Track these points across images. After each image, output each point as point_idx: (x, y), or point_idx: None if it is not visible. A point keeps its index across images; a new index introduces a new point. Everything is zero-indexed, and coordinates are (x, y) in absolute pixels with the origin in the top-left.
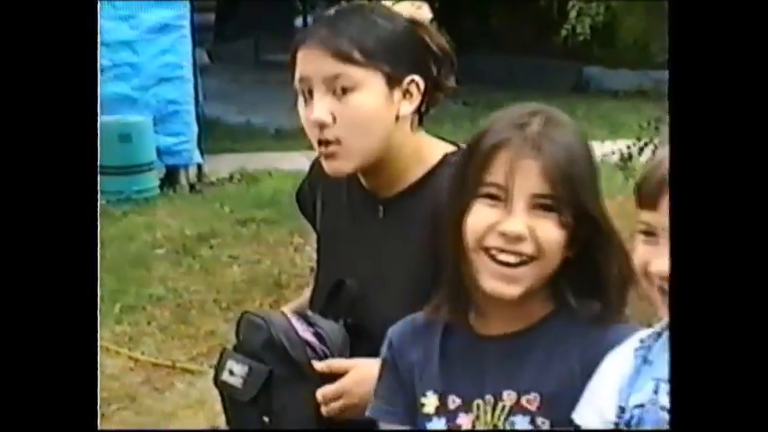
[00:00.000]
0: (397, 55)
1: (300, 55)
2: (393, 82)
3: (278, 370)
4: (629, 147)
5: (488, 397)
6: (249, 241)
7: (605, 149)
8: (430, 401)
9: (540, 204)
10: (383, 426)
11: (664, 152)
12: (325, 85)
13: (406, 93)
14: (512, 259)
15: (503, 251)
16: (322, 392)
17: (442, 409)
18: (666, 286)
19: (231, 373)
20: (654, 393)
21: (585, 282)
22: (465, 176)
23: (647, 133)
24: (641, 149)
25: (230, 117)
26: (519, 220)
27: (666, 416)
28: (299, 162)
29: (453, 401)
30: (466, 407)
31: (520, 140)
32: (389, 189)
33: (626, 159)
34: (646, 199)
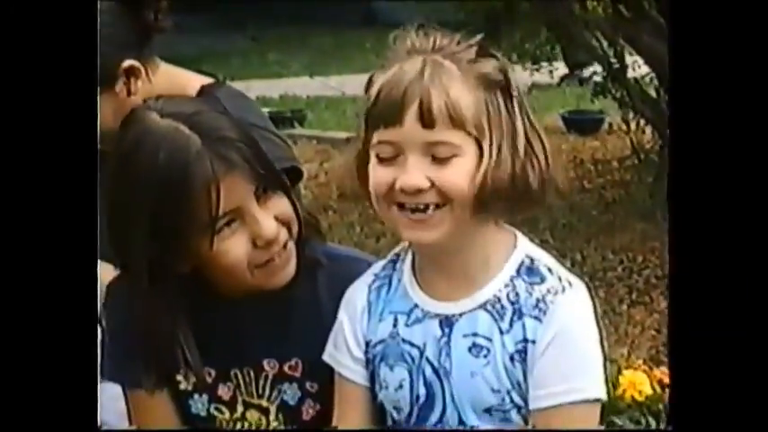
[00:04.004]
0: None
1: None
2: None
3: None
4: None
5: (246, 368)
6: None
7: None
8: (186, 377)
9: None
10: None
11: (386, 74)
12: None
13: None
14: None
15: None
16: None
17: (200, 384)
18: (405, 200)
19: None
20: (393, 327)
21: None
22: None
23: None
24: None
25: None
26: None
27: (412, 349)
28: None
29: (209, 374)
30: (223, 377)
31: None
32: None
33: None
34: (386, 118)
